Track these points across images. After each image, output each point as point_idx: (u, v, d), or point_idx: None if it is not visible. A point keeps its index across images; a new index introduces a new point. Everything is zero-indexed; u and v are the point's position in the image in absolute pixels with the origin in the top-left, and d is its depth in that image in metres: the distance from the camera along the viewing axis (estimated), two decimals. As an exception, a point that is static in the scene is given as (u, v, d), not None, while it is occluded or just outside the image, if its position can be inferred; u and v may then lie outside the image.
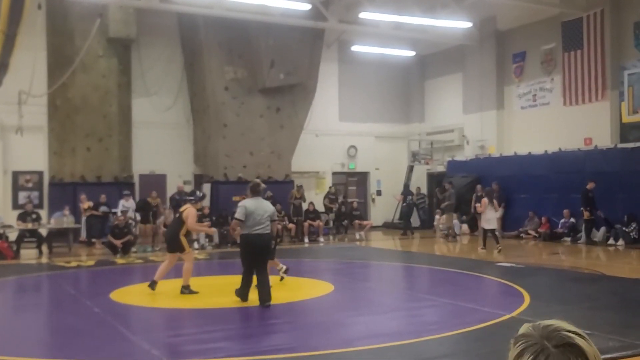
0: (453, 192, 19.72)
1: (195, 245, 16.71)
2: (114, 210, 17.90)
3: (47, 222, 17.58)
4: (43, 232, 16.80)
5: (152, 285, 9.97)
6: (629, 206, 16.46)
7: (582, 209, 16.84)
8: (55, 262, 14.62)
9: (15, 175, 19.14)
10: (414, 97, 25.36)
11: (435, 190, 23.09)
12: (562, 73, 19.15)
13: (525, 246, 17.44)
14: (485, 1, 19.49)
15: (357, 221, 20.61)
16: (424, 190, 24.28)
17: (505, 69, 21.39)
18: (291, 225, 19.30)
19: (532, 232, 18.63)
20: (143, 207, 17.84)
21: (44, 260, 15.49)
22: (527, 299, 8.91)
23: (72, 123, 19.28)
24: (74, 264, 14.28)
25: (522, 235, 18.93)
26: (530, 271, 12.20)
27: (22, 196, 18.91)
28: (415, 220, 23.00)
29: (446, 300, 9.15)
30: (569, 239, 17.54)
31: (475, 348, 6.61)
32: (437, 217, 21.42)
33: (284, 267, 10.82)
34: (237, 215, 8.87)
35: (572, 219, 17.73)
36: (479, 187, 17.18)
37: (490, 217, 15.72)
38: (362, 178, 25.06)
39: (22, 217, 16.45)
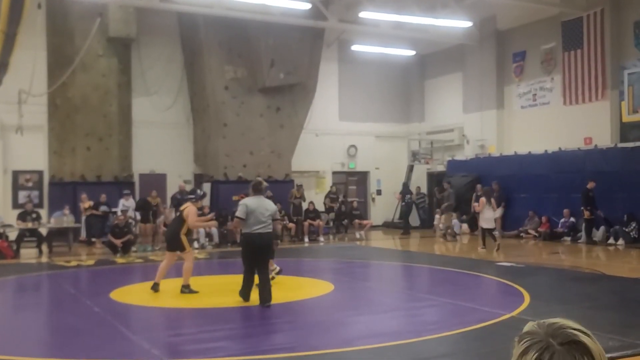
0: (452, 191, 19.72)
1: (195, 244, 16.71)
2: (114, 209, 17.91)
3: (47, 222, 17.58)
4: (43, 231, 16.80)
5: (155, 287, 9.96)
6: (629, 206, 16.46)
7: (582, 208, 16.83)
8: (55, 262, 14.63)
9: (15, 174, 19.15)
10: (414, 97, 25.36)
11: (434, 190, 23.11)
12: (562, 72, 19.15)
13: (525, 246, 17.45)
14: (485, 1, 19.49)
15: (357, 221, 20.61)
16: (424, 190, 24.27)
17: (505, 68, 21.39)
18: (291, 225, 19.31)
19: (532, 232, 18.63)
20: (143, 207, 17.84)
21: (44, 259, 15.49)
22: (527, 298, 8.91)
23: (72, 122, 19.28)
24: (74, 263, 14.28)
25: (522, 234, 18.94)
26: (530, 271, 12.20)
27: (22, 195, 18.92)
28: (415, 220, 23.02)
29: (446, 300, 9.15)
30: (569, 238, 17.54)
31: (475, 347, 6.61)
32: (437, 216, 21.42)
33: (278, 268, 10.76)
34: (237, 214, 8.86)
35: (572, 219, 17.74)
36: (478, 186, 17.21)
37: (489, 216, 15.75)
38: (362, 177, 25.06)
39: (22, 217, 16.45)
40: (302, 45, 20.16)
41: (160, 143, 20.58)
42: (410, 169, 23.72)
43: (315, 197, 21.49)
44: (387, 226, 24.07)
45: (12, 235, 16.22)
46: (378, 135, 24.57)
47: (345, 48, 23.51)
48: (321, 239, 19.48)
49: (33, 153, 18.88)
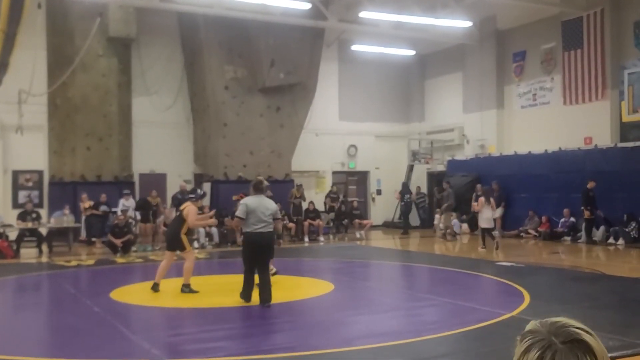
0: (451, 191, 19.73)
1: (195, 244, 16.71)
2: (114, 209, 17.91)
3: (47, 222, 17.58)
4: (43, 231, 16.79)
5: (155, 287, 9.96)
6: (629, 205, 16.46)
7: (582, 208, 16.83)
8: (55, 261, 14.63)
9: (15, 174, 19.14)
10: (414, 97, 25.35)
11: (434, 190, 23.11)
12: (562, 72, 19.14)
13: (525, 245, 17.45)
14: (485, 1, 19.49)
15: (357, 220, 20.62)
16: (424, 190, 24.27)
17: (505, 68, 21.39)
18: (291, 225, 19.31)
19: (532, 232, 18.63)
20: (143, 206, 17.84)
21: (44, 259, 15.49)
22: (527, 298, 8.91)
23: (72, 122, 19.28)
24: (74, 263, 14.28)
25: (522, 234, 18.94)
26: (530, 270, 12.20)
27: (22, 195, 18.91)
28: (415, 220, 23.02)
29: (446, 300, 9.15)
30: (569, 238, 17.54)
31: (475, 347, 6.61)
32: (436, 216, 21.42)
33: (274, 270, 10.73)
34: (237, 214, 8.85)
35: (572, 218, 17.74)
36: (478, 186, 17.20)
37: (488, 216, 15.79)
38: (362, 177, 25.06)
39: (22, 216, 16.45)
40: (302, 45, 20.16)
41: (161, 143, 20.58)
42: (410, 168, 23.72)
43: (315, 196, 21.49)
44: (387, 226, 24.07)
45: (12, 235, 16.22)
46: (378, 135, 24.57)
47: (345, 48, 23.51)
48: (321, 238, 19.48)
49: (33, 153, 18.88)
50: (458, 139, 22.93)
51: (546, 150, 18.98)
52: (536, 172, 19.06)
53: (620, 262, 13.82)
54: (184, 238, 9.97)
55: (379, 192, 24.94)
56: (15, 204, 18.71)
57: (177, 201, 17.08)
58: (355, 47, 23.10)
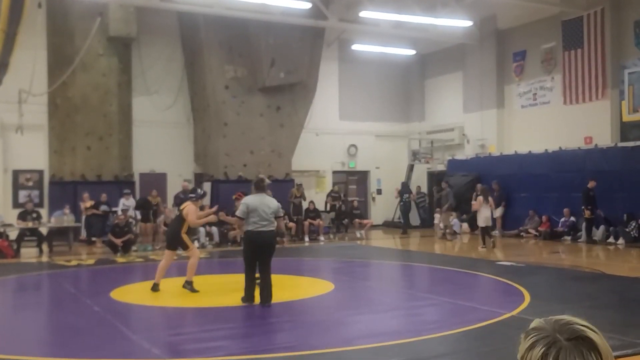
0: (450, 191, 19.74)
1: (196, 244, 16.69)
2: (114, 209, 17.92)
3: (48, 221, 17.58)
4: (43, 230, 16.80)
5: (155, 287, 9.96)
6: (629, 205, 16.46)
7: (583, 207, 16.83)
8: (55, 261, 14.63)
9: (16, 174, 19.15)
10: (414, 96, 25.35)
11: (433, 189, 23.11)
12: (563, 72, 19.14)
13: (525, 245, 17.45)
14: (485, 0, 19.48)
15: (357, 220, 20.62)
16: (424, 189, 24.27)
17: (506, 67, 21.39)
18: (291, 224, 19.30)
19: (533, 231, 18.63)
20: (143, 206, 17.85)
21: (44, 259, 15.49)
22: (527, 297, 8.91)
23: (72, 122, 19.28)
24: (74, 262, 14.29)
25: (522, 234, 18.94)
26: (531, 270, 12.20)
27: (23, 195, 18.92)
28: (415, 219, 23.01)
29: (446, 299, 9.16)
30: (569, 237, 17.54)
31: (475, 347, 6.62)
32: (436, 215, 21.41)
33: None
34: (237, 213, 8.83)
35: (572, 218, 17.74)
36: (479, 185, 17.21)
37: (486, 215, 15.80)
38: (362, 177, 25.06)
39: (22, 216, 16.46)
40: (302, 45, 20.16)
41: (161, 142, 20.59)
42: (411, 168, 23.72)
43: (316, 196, 21.48)
44: (388, 225, 24.07)
45: (13, 234, 16.23)
46: (378, 135, 24.57)
47: (345, 47, 23.50)
48: (321, 238, 19.48)
49: (33, 152, 18.89)
50: (458, 139, 22.92)
51: (546, 150, 18.98)
52: (536, 172, 19.06)
53: (620, 261, 13.83)
54: (185, 237, 9.97)
55: (379, 191, 24.94)
56: (16, 204, 18.72)
57: (180, 200, 17.07)
58: (355, 47, 23.10)
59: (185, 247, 10.04)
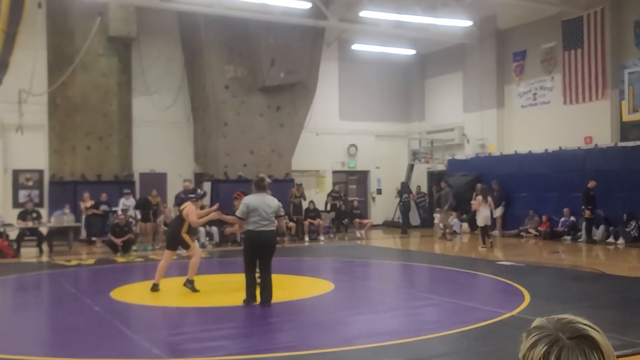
0: (449, 190, 19.73)
1: (196, 243, 16.67)
2: (114, 208, 17.92)
3: (48, 221, 17.58)
4: (43, 230, 16.80)
5: (155, 287, 9.96)
6: (629, 205, 16.46)
7: (583, 207, 16.83)
8: (55, 261, 14.64)
9: (16, 173, 19.15)
10: (414, 96, 25.35)
11: (433, 189, 23.10)
12: (563, 72, 19.14)
13: (525, 245, 17.46)
14: (485, 0, 19.48)
15: (357, 220, 20.62)
16: (424, 189, 24.27)
17: (506, 67, 21.39)
18: (291, 224, 19.30)
19: (533, 231, 18.63)
20: (143, 206, 17.85)
21: (44, 258, 15.50)
22: (527, 297, 8.91)
23: (72, 122, 19.28)
24: (74, 262, 14.29)
25: (522, 233, 18.94)
26: (531, 270, 12.20)
27: (23, 195, 18.92)
28: (415, 219, 23.01)
29: (446, 299, 9.16)
30: (569, 237, 17.54)
31: (475, 347, 6.62)
32: (436, 215, 21.41)
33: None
34: (237, 213, 8.81)
35: (572, 218, 17.74)
36: (478, 185, 17.22)
37: (485, 214, 15.81)
38: (362, 177, 25.06)
39: (22, 216, 16.46)
40: (302, 45, 20.16)
41: (161, 142, 20.59)
42: (411, 168, 23.71)
43: (316, 196, 21.48)
44: (388, 225, 24.07)
45: (13, 234, 16.23)
46: (378, 135, 24.56)
47: (345, 47, 23.50)
48: (321, 238, 19.48)
49: (33, 152, 18.89)
50: (458, 139, 22.92)
51: (546, 150, 18.98)
52: (536, 172, 19.06)
53: (620, 261, 13.84)
54: (185, 237, 9.98)
55: (379, 191, 24.94)
56: (16, 203, 18.72)
57: (181, 200, 17.07)
58: (355, 47, 23.09)
59: (186, 247, 10.05)
